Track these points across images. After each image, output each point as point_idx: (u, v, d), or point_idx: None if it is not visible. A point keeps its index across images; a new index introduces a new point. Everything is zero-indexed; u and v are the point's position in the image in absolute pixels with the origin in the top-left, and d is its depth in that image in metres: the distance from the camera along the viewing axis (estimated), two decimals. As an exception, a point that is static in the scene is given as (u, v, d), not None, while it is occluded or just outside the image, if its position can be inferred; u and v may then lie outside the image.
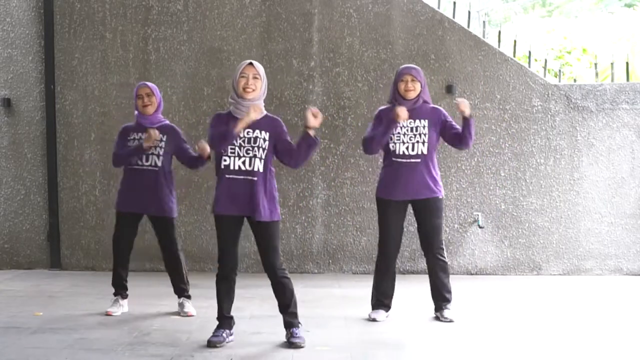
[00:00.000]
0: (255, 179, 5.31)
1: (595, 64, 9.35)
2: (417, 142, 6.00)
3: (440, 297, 6.24)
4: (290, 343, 5.41)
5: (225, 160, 5.34)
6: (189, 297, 6.51)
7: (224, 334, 5.48)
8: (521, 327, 6.07)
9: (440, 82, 8.33)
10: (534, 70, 8.94)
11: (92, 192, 8.57)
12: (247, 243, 8.47)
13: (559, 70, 9.45)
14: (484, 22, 9.72)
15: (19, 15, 8.59)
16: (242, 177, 5.32)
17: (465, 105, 5.96)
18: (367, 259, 8.42)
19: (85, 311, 6.54)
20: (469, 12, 8.94)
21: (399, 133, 6.01)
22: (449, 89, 8.27)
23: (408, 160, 6.01)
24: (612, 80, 9.01)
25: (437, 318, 6.19)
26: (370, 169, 8.38)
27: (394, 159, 6.05)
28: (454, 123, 6.15)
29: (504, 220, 8.40)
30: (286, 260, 8.34)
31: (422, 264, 8.37)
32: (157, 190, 6.29)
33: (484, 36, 9.00)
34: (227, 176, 5.34)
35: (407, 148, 6.01)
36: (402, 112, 5.86)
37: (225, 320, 5.53)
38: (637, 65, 10.96)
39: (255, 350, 5.33)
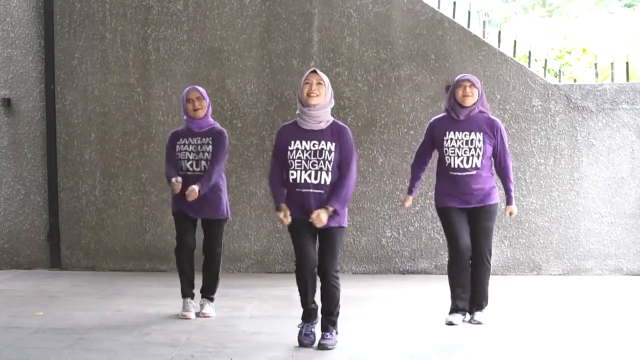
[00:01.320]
0: (322, 191, 5.24)
1: (595, 64, 9.35)
2: (472, 155, 5.96)
3: (475, 302, 6.17)
4: (319, 345, 5.35)
5: (292, 175, 5.29)
6: (211, 299, 6.44)
7: (313, 329, 5.44)
8: (521, 327, 6.07)
9: (440, 82, 8.33)
10: (534, 70, 8.94)
11: (92, 192, 8.56)
12: (247, 243, 8.49)
13: (559, 70, 9.45)
14: (484, 22, 9.73)
15: (19, 15, 8.59)
16: (310, 190, 5.24)
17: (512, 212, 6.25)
18: (367, 259, 8.43)
19: (85, 311, 6.54)
20: (469, 12, 8.94)
21: (453, 147, 5.97)
22: (449, 89, 8.25)
23: (463, 174, 5.96)
24: (612, 80, 9.00)
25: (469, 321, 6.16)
26: (370, 169, 8.38)
27: (450, 172, 6.01)
28: (504, 148, 6.08)
29: (504, 220, 8.39)
30: (286, 260, 8.35)
31: (422, 263, 8.39)
32: (208, 195, 6.22)
33: (484, 36, 9.00)
34: (296, 190, 5.28)
35: (462, 161, 5.96)
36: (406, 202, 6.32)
37: (312, 312, 5.47)
38: (637, 65, 10.97)
39: (255, 350, 5.33)
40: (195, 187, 6.07)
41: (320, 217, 5.19)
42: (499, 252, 8.39)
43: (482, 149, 5.94)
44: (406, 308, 6.69)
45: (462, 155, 5.95)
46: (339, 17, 8.42)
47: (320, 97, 5.31)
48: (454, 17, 8.64)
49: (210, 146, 6.26)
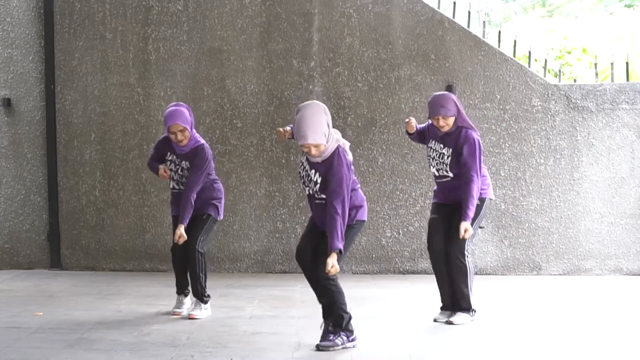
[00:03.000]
0: (323, 202, 5.32)
1: (595, 64, 9.34)
2: (442, 167, 6.25)
3: (454, 303, 6.24)
4: (317, 345, 5.35)
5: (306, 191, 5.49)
6: (202, 300, 6.38)
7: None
8: (521, 327, 6.07)
9: (440, 82, 8.33)
10: (534, 70, 8.94)
11: (92, 192, 8.57)
12: (247, 243, 8.49)
13: (559, 70, 9.45)
14: (484, 22, 9.71)
15: (19, 15, 8.60)
16: (316, 201, 5.39)
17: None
18: (367, 259, 8.43)
19: (85, 311, 6.54)
20: (469, 12, 8.94)
21: (431, 156, 6.34)
22: (449, 89, 8.25)
23: (441, 180, 6.30)
24: (612, 80, 9.00)
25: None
26: (370, 169, 8.38)
27: (435, 179, 6.43)
28: (467, 162, 6.09)
29: (504, 220, 8.40)
30: (286, 260, 8.35)
31: (422, 263, 8.39)
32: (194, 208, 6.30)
33: (484, 36, 9.00)
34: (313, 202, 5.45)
35: (437, 171, 6.30)
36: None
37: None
38: (637, 65, 10.97)
39: (255, 350, 5.33)
40: (181, 231, 6.15)
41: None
42: (499, 252, 8.39)
43: (448, 165, 6.21)
44: (406, 308, 6.69)
45: (436, 166, 6.32)
46: (339, 17, 8.42)
47: (320, 152, 5.27)
48: (454, 17, 8.64)
49: (187, 167, 6.28)
